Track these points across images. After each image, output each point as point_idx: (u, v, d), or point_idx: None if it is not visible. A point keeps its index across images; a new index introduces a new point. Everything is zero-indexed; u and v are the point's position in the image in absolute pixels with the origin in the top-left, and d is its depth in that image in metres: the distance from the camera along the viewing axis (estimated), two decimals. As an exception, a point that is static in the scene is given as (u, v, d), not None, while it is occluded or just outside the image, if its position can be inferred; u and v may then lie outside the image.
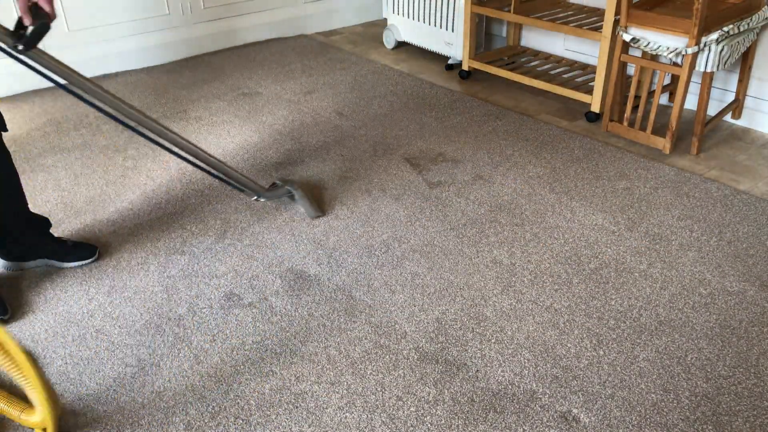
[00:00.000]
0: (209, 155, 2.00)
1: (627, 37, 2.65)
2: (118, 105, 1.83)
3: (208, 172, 2.00)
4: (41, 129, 2.97)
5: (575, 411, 1.54)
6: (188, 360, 1.71)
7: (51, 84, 3.44)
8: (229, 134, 2.93)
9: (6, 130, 1.87)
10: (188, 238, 2.20)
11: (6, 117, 3.09)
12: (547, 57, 3.55)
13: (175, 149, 1.93)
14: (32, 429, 1.49)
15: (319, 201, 2.42)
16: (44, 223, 2.06)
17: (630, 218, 2.27)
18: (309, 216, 2.32)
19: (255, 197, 2.20)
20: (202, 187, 2.50)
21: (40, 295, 1.94)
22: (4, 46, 1.56)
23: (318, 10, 4.32)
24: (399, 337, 1.77)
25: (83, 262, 2.07)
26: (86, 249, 2.08)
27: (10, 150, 2.35)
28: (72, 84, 1.71)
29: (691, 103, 3.08)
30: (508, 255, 2.09)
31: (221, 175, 2.04)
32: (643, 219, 2.26)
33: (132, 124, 1.86)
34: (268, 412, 1.55)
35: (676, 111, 2.61)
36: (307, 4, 4.26)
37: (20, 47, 1.52)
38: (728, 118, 2.96)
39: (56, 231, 2.23)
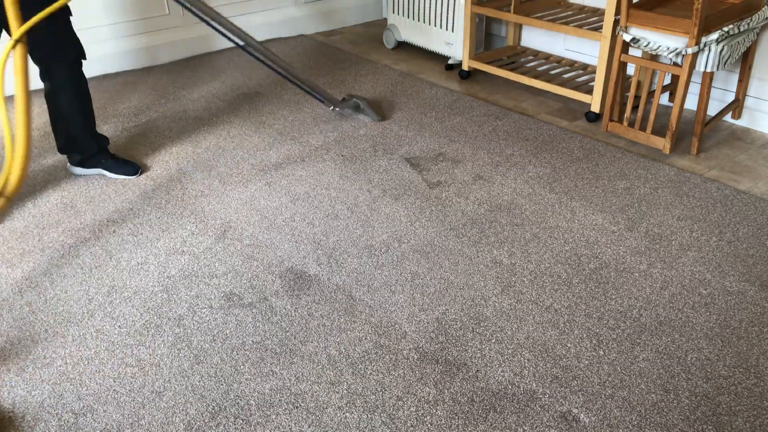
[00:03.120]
0: (299, 74, 2.72)
1: (627, 37, 2.65)
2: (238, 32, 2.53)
3: (298, 86, 2.75)
4: (41, 129, 2.97)
5: (575, 411, 1.54)
6: (188, 360, 1.71)
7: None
8: (229, 134, 2.93)
9: (85, 58, 2.38)
10: (188, 238, 2.21)
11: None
12: (547, 57, 3.55)
13: (275, 66, 2.66)
14: None
15: (380, 110, 3.05)
16: (105, 140, 2.59)
17: (630, 218, 2.27)
18: (373, 120, 2.93)
19: (332, 107, 2.90)
20: (202, 187, 2.50)
21: (40, 295, 1.94)
22: None
23: (318, 10, 4.32)
24: (399, 337, 1.77)
25: (128, 177, 2.57)
26: (132, 166, 2.59)
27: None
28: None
29: (691, 103, 3.08)
30: (508, 255, 2.09)
31: (307, 88, 2.76)
32: (643, 219, 2.26)
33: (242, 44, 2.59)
34: (268, 412, 1.55)
35: (676, 111, 2.61)
36: (307, 4, 4.26)
37: None
38: (728, 118, 2.96)
39: (56, 232, 2.23)
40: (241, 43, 2.57)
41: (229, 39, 2.57)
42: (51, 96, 2.39)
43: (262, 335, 1.78)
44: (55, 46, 2.27)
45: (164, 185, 2.53)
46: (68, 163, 2.60)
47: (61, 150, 2.56)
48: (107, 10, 3.50)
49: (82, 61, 2.38)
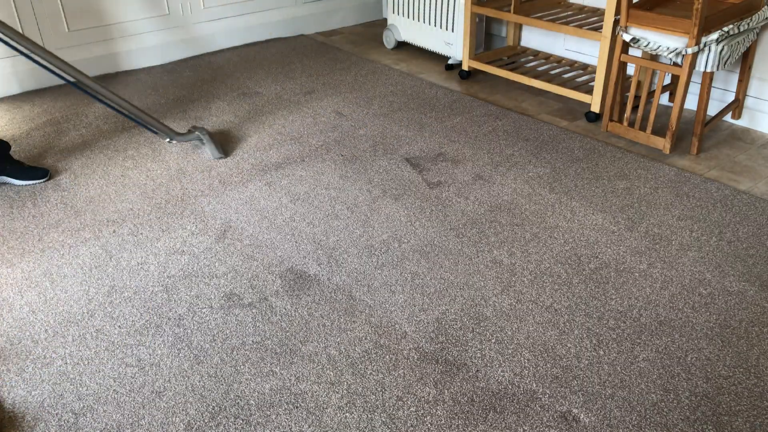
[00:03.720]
0: (131, 104, 2.47)
1: (627, 37, 2.65)
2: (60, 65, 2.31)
3: (130, 118, 2.51)
4: (41, 129, 2.97)
5: (575, 411, 1.54)
6: (188, 360, 1.71)
7: (51, 84, 3.45)
8: (229, 134, 2.93)
9: None
10: (188, 238, 2.20)
11: (6, 117, 3.09)
12: (547, 57, 3.55)
13: (106, 100, 2.47)
14: None
15: (224, 145, 2.82)
16: (5, 146, 2.47)
17: (630, 218, 2.27)
18: (214, 157, 2.68)
19: (168, 139, 2.65)
20: (202, 187, 2.50)
21: (40, 295, 1.94)
22: None
23: (318, 10, 4.32)
24: (399, 337, 1.77)
25: (35, 182, 2.50)
26: (39, 171, 2.50)
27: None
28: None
29: (691, 103, 3.08)
30: (508, 255, 2.09)
31: (140, 120, 2.52)
32: (643, 219, 2.26)
33: (70, 79, 2.33)
34: (268, 412, 1.55)
35: (676, 111, 2.61)
36: (306, 4, 4.26)
37: None
38: (728, 118, 2.96)
39: (56, 232, 2.23)
40: (72, 79, 2.44)
41: (55, 74, 2.33)
42: None
43: (262, 335, 1.78)
44: None
45: (164, 185, 2.53)
46: None
47: None
48: (107, 10, 3.50)
49: None
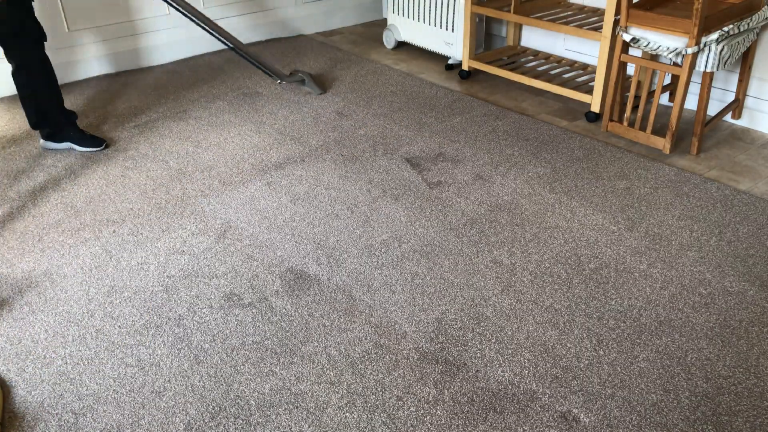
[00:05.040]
0: (247, 47, 3.02)
1: (627, 37, 2.65)
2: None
3: (246, 59, 3.00)
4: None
5: (575, 411, 1.54)
6: (188, 360, 1.71)
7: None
8: (229, 134, 2.93)
9: (46, 39, 2.57)
10: (188, 238, 2.21)
11: (6, 117, 3.09)
12: (547, 57, 3.55)
13: (223, 39, 2.93)
14: None
15: (323, 84, 3.39)
16: (73, 115, 2.78)
17: (630, 218, 2.27)
18: (315, 93, 3.26)
19: (278, 81, 3.18)
20: (202, 187, 2.50)
21: (40, 296, 1.94)
22: None
23: (318, 10, 4.32)
24: (399, 337, 1.77)
25: (95, 149, 2.77)
26: (98, 140, 2.79)
27: (10, 149, 2.84)
28: None
29: (691, 103, 3.08)
30: (508, 255, 2.09)
31: (255, 61, 2.99)
32: (643, 219, 2.26)
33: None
34: (268, 412, 1.55)
35: (676, 111, 2.61)
36: (306, 4, 4.26)
37: None
38: (728, 118, 2.96)
39: (56, 232, 2.23)
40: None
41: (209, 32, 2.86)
42: (18, 74, 2.56)
43: (262, 335, 1.78)
44: (17, 27, 2.46)
45: (164, 185, 2.53)
46: (40, 139, 2.78)
47: (33, 125, 2.71)
48: (107, 10, 3.50)
49: (44, 42, 2.57)
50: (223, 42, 2.94)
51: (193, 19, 2.81)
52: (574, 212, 2.31)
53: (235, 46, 2.95)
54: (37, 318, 1.86)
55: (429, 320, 1.82)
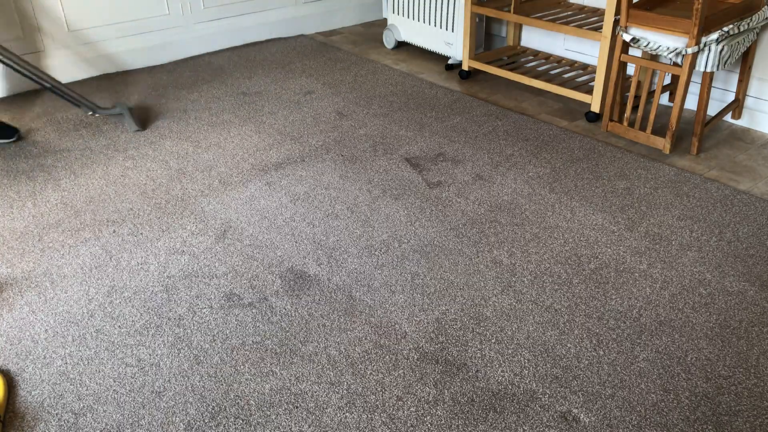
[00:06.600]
0: (55, 79, 2.80)
1: (627, 37, 2.65)
2: None
3: (52, 91, 2.79)
4: (41, 129, 2.97)
5: (575, 411, 1.54)
6: (188, 360, 1.71)
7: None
8: (229, 134, 2.93)
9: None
10: (188, 238, 2.21)
11: (6, 117, 3.09)
12: (547, 57, 3.56)
13: (29, 74, 2.70)
14: None
15: (144, 121, 3.04)
16: None
17: (630, 218, 2.27)
18: (130, 130, 2.92)
19: (90, 113, 2.95)
20: (202, 187, 2.50)
21: (40, 296, 1.94)
22: None
23: (318, 10, 4.32)
24: (399, 337, 1.77)
25: (4, 141, 2.68)
26: (9, 129, 2.66)
27: (10, 149, 2.79)
28: None
29: (691, 103, 3.08)
30: (508, 255, 2.09)
31: (63, 93, 2.81)
32: (643, 219, 2.26)
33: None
34: (268, 412, 1.55)
35: (676, 111, 2.61)
36: (306, 4, 4.26)
37: None
38: (728, 118, 2.96)
39: (56, 232, 2.23)
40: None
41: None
42: None
43: (262, 335, 1.78)
44: None
45: (164, 185, 2.53)
46: None
47: None
48: (107, 10, 3.50)
49: None
50: (36, 81, 2.79)
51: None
52: (574, 212, 2.31)
53: (50, 84, 2.81)
54: (37, 318, 1.86)
55: (429, 320, 1.82)
